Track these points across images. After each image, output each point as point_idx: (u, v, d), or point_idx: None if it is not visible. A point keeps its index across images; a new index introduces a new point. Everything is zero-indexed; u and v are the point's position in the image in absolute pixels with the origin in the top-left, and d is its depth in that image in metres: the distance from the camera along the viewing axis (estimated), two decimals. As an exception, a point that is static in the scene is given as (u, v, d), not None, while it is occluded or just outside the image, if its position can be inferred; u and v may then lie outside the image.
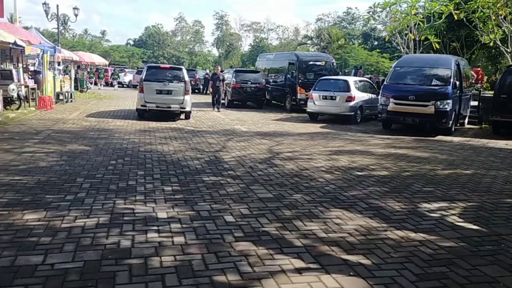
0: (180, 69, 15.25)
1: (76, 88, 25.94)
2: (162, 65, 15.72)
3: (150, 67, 15.35)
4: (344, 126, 14.39)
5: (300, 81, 18.70)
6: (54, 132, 10.53)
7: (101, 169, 6.86)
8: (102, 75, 33.15)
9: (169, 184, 6.20)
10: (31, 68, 18.58)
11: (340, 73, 25.94)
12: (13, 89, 13.16)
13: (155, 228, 4.45)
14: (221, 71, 19.49)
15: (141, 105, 14.48)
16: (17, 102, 14.15)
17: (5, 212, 4.72)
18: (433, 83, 12.92)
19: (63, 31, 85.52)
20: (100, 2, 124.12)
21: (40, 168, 6.76)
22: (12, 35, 12.38)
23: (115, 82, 34.49)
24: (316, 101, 15.39)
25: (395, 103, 12.85)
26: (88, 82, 27.84)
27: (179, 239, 4.16)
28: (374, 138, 11.83)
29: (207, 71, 32.13)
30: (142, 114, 14.81)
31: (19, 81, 13.89)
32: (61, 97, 18.66)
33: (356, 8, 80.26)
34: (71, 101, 19.53)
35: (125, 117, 14.87)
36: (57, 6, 23.43)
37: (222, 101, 19.09)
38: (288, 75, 19.68)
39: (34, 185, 5.79)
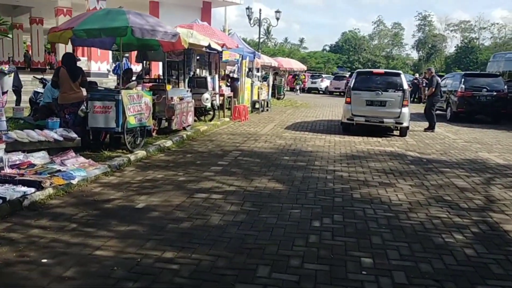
0: (398, 75, 11.83)
1: (273, 95, 24.85)
2: (375, 70, 12.53)
3: (360, 72, 12.34)
4: None
5: None
6: (242, 155, 8.40)
7: (299, 243, 4.05)
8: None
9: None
10: (233, 76, 17.62)
11: None
12: (207, 99, 11.79)
13: None
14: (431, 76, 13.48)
15: (348, 119, 11.68)
16: (211, 112, 12.86)
17: None
18: None
19: (266, 40, 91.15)
20: (299, 11, 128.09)
21: (209, 230, 4.32)
22: (208, 38, 10.92)
23: (297, 87, 32.98)
24: None
25: None
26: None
27: None
28: None
29: (416, 75, 27.63)
30: (347, 128, 12.03)
31: (214, 89, 12.55)
32: (257, 105, 17.22)
33: None
34: (267, 110, 17.98)
35: (324, 131, 12.22)
36: (260, 10, 22.63)
37: (441, 112, 14.74)
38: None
39: (186, 279, 3.28)
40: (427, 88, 13.31)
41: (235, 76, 17.29)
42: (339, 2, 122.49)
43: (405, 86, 11.50)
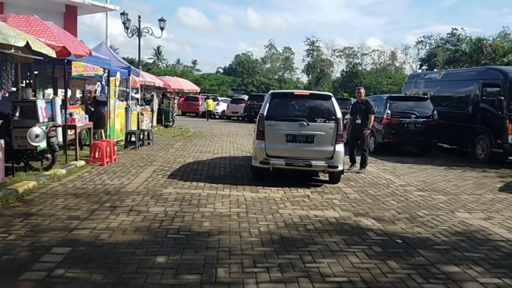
0: (328, 98, 8.44)
1: (159, 121, 20.54)
2: (296, 92, 8.80)
3: (275, 95, 8.63)
4: None
5: (513, 114, 11.05)
6: (69, 260, 4.11)
7: None
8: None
9: None
10: (100, 98, 13.02)
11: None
12: (37, 136, 7.23)
13: None
14: (364, 99, 10.28)
15: (261, 161, 7.97)
16: (49, 155, 8.25)
17: None
18: None
19: (157, 61, 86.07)
20: (191, 34, 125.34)
21: None
22: (32, 36, 6.46)
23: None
24: None
25: None
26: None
27: None
28: None
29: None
30: (260, 173, 8.34)
31: (53, 119, 8.01)
32: (133, 138, 12.82)
33: (462, 28, 70.30)
34: (149, 143, 13.64)
35: (227, 179, 8.37)
36: (139, 17, 18.29)
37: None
38: (483, 105, 12.09)
39: None
40: (356, 115, 10.17)
41: (103, 98, 12.75)
42: (229, 27, 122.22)
43: (339, 114, 8.16)
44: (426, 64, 67.91)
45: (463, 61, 29.68)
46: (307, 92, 8.80)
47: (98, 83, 11.91)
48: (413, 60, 78.56)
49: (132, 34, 18.56)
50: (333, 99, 8.37)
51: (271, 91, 9.00)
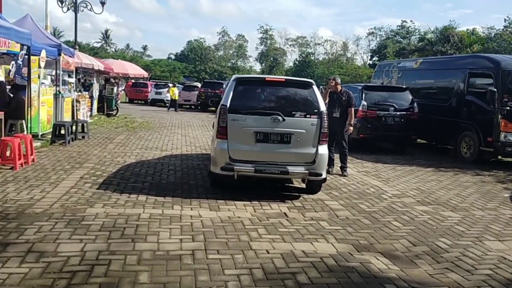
0: (309, 86, 6.58)
1: (101, 110, 18.07)
2: (268, 77, 6.80)
3: (241, 80, 6.61)
4: None
5: (507, 108, 9.74)
6: None
7: None
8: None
9: None
10: (22, 82, 10.59)
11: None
12: None
13: None
14: (342, 89, 8.62)
15: (223, 167, 6.07)
16: None
17: None
18: None
19: (105, 45, 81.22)
20: (142, 19, 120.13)
21: None
22: None
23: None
24: None
25: None
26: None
27: None
28: None
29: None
30: (220, 181, 6.48)
31: None
32: (62, 131, 10.48)
33: (411, 21, 71.36)
34: (83, 136, 11.34)
35: (177, 189, 6.43)
36: (75, -12, 15.59)
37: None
38: (469, 97, 10.75)
39: None
40: (334, 108, 8.44)
41: (24, 82, 10.32)
42: (181, 12, 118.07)
43: (322, 106, 6.38)
44: (377, 55, 68.21)
45: (427, 50, 28.87)
46: (282, 78, 6.93)
47: (13, 62, 9.46)
48: (364, 51, 79.01)
49: (68, 9, 15.89)
50: (315, 87, 6.57)
51: (235, 75, 7.06)
